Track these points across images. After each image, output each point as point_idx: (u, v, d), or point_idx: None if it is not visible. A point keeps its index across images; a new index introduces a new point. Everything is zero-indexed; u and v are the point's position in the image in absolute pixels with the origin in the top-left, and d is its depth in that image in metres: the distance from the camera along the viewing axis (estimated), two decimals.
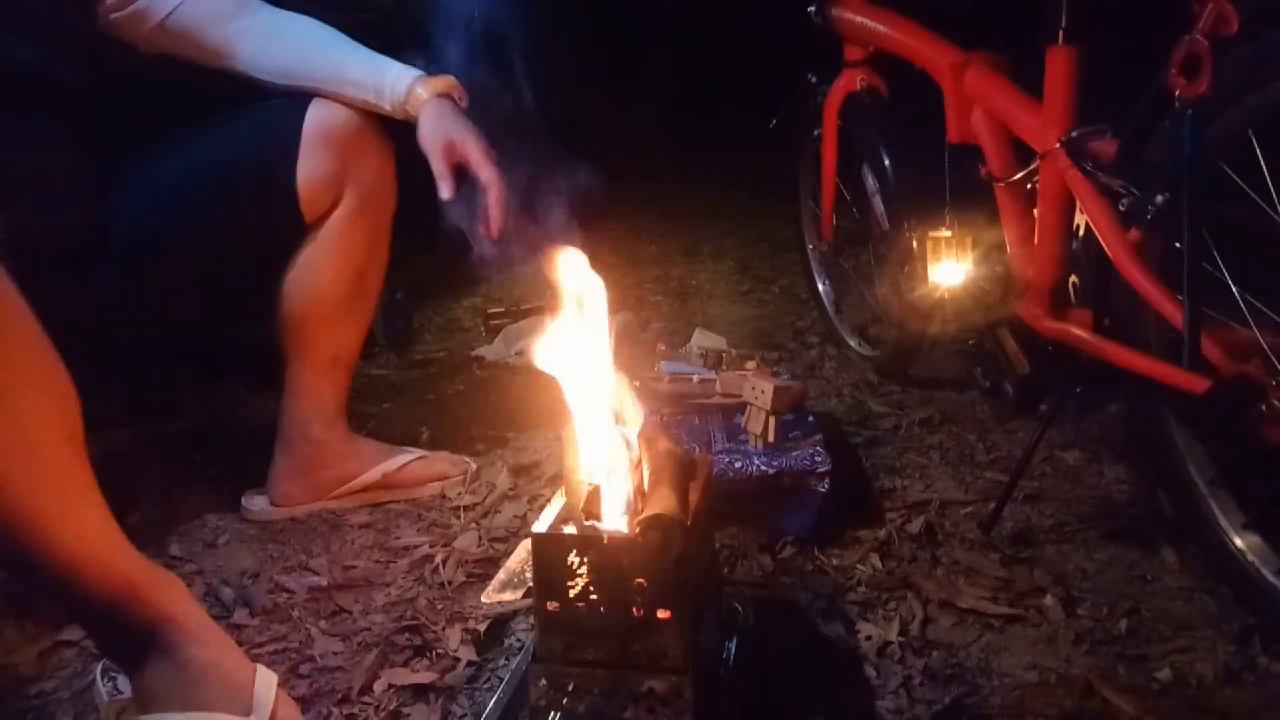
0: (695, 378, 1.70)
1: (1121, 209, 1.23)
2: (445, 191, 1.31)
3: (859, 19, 1.89)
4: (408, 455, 1.61)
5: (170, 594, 0.97)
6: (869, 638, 1.20)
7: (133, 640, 0.94)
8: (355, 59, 1.37)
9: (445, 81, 1.37)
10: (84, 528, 0.90)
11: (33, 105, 1.10)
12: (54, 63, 1.22)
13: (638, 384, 1.56)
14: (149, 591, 0.94)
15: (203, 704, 0.94)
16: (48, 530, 0.87)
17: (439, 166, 1.32)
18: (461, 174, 1.35)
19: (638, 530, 0.90)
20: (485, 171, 1.32)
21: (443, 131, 1.33)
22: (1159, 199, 1.17)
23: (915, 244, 1.71)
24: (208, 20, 1.36)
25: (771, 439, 1.46)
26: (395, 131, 1.41)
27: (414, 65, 1.38)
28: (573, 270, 1.01)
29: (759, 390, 1.45)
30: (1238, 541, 1.22)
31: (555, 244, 1.01)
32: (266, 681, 0.98)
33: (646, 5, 4.19)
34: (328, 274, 1.42)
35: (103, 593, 0.91)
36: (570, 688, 0.93)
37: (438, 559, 1.40)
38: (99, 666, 1.09)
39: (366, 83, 1.35)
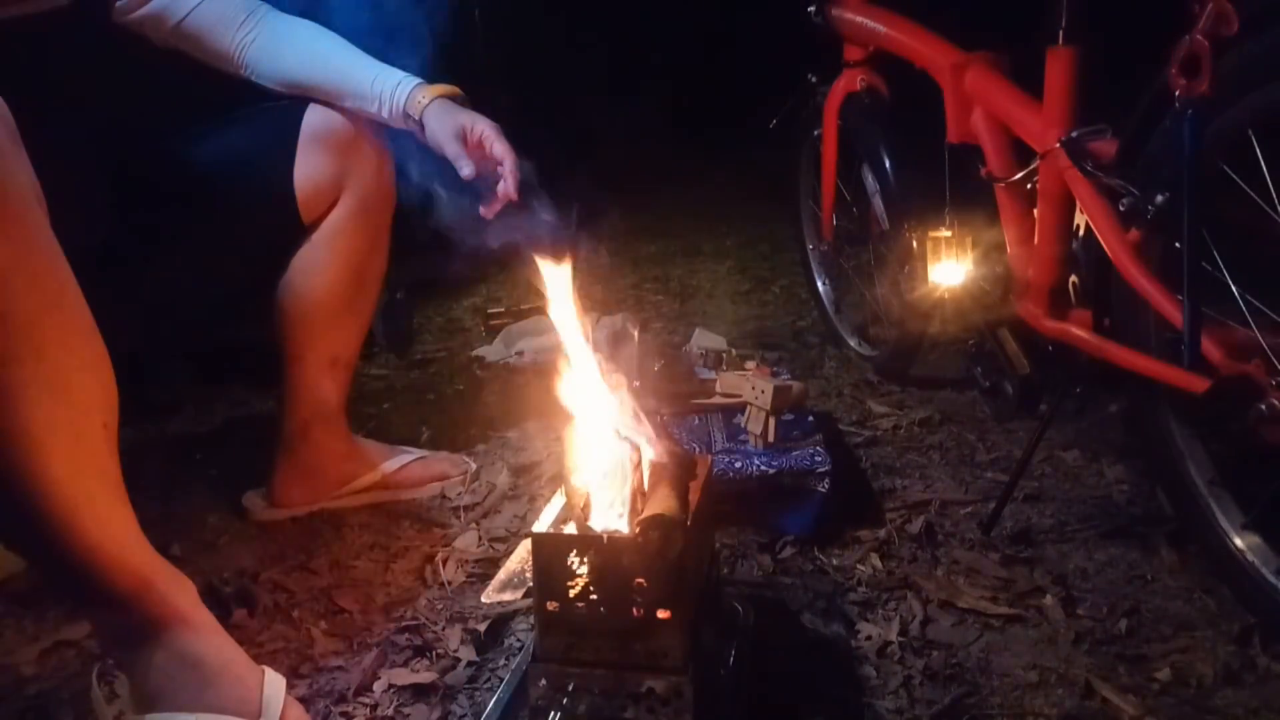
0: (695, 378, 1.70)
1: (1121, 209, 1.23)
2: (467, 170, 1.32)
3: (859, 19, 1.89)
4: (408, 456, 1.61)
5: (184, 594, 0.98)
6: (869, 638, 1.20)
7: (140, 636, 0.95)
8: (356, 69, 1.37)
9: (447, 87, 1.37)
10: (110, 515, 0.92)
11: (52, 119, 1.10)
12: (71, 78, 1.23)
13: (637, 384, 1.56)
14: (164, 588, 0.96)
15: (214, 706, 0.95)
16: (77, 512, 0.89)
17: (455, 149, 1.33)
18: (463, 185, 1.35)
19: (638, 530, 0.90)
20: (499, 146, 1.33)
21: (452, 121, 1.34)
22: (1159, 199, 1.17)
23: (915, 244, 1.71)
24: (217, 25, 1.36)
25: (771, 439, 1.46)
26: (394, 132, 1.41)
27: (414, 72, 1.38)
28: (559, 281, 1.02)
29: (759, 390, 1.45)
30: (1238, 541, 1.22)
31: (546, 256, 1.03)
32: (275, 685, 0.99)
33: (648, 6, 4.19)
34: (327, 275, 1.42)
35: (119, 583, 0.92)
36: (570, 688, 0.93)
37: (438, 559, 1.40)
38: (95, 670, 1.09)
39: (367, 93, 1.36)
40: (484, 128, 1.34)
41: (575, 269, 1.05)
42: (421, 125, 1.35)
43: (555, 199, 1.30)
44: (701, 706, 0.92)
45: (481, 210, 1.34)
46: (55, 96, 1.20)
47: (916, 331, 1.90)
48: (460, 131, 1.34)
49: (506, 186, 1.32)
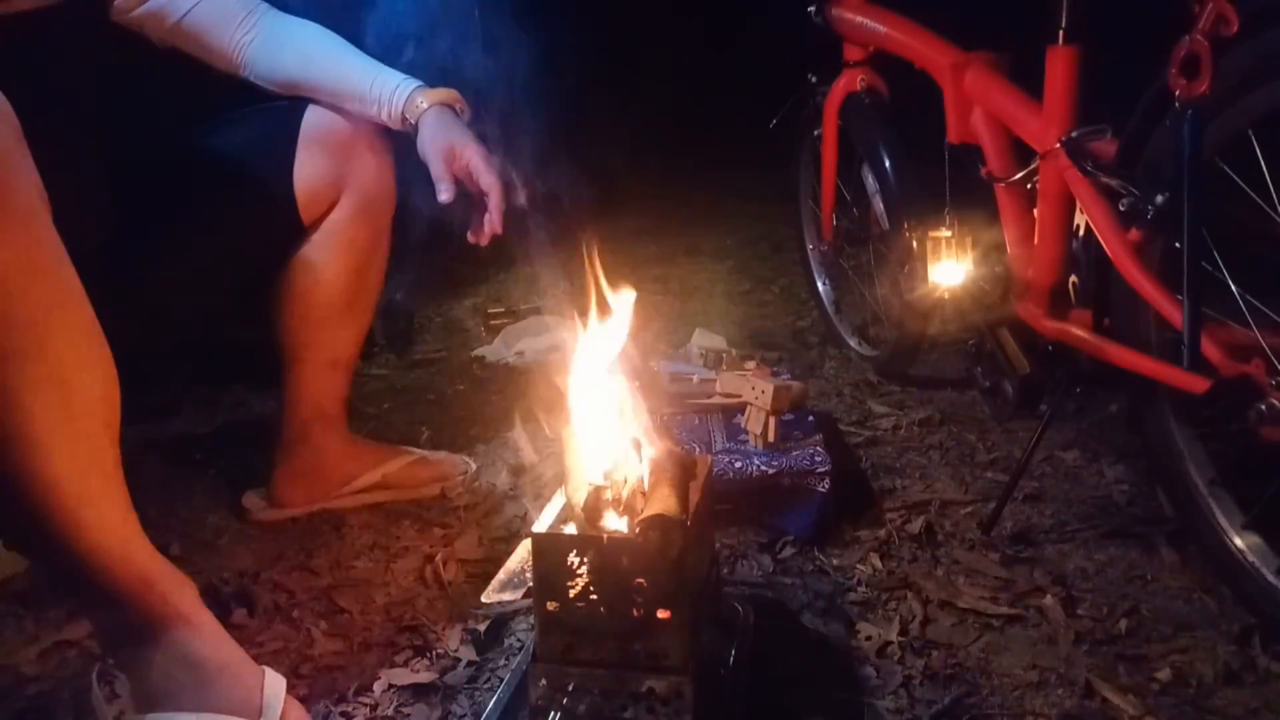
0: (695, 378, 1.70)
1: (1121, 209, 1.23)
2: (444, 194, 1.32)
3: (859, 19, 1.89)
4: (408, 456, 1.61)
5: (185, 594, 0.98)
6: (869, 638, 1.20)
7: (142, 635, 0.95)
8: (355, 71, 1.37)
9: (446, 93, 1.37)
10: (112, 514, 0.92)
11: (51, 118, 1.11)
12: (70, 77, 1.23)
13: (638, 385, 1.56)
14: (165, 588, 0.96)
15: (214, 706, 0.95)
16: (79, 511, 0.89)
17: (438, 170, 1.32)
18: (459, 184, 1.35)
19: (638, 530, 0.90)
20: (485, 178, 1.32)
21: (443, 138, 1.33)
22: (1159, 199, 1.17)
23: (915, 244, 1.71)
24: (216, 24, 1.36)
25: (771, 439, 1.46)
26: (395, 132, 1.41)
27: (415, 75, 1.38)
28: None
29: (759, 390, 1.45)
30: (1238, 541, 1.22)
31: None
32: (275, 685, 0.99)
33: (649, 6, 4.19)
34: (327, 275, 1.42)
35: (121, 583, 0.93)
36: (570, 688, 0.93)
37: (438, 559, 1.40)
38: (95, 670, 1.09)
39: (366, 95, 1.35)
40: (472, 155, 1.32)
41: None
42: (418, 130, 1.35)
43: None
44: (701, 706, 0.92)
45: (469, 237, 1.35)
46: (55, 95, 1.20)
47: (916, 331, 1.90)
48: (448, 152, 1.32)
49: (492, 221, 1.32)
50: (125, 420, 0.94)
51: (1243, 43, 1.05)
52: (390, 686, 1.14)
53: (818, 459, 1.42)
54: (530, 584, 1.00)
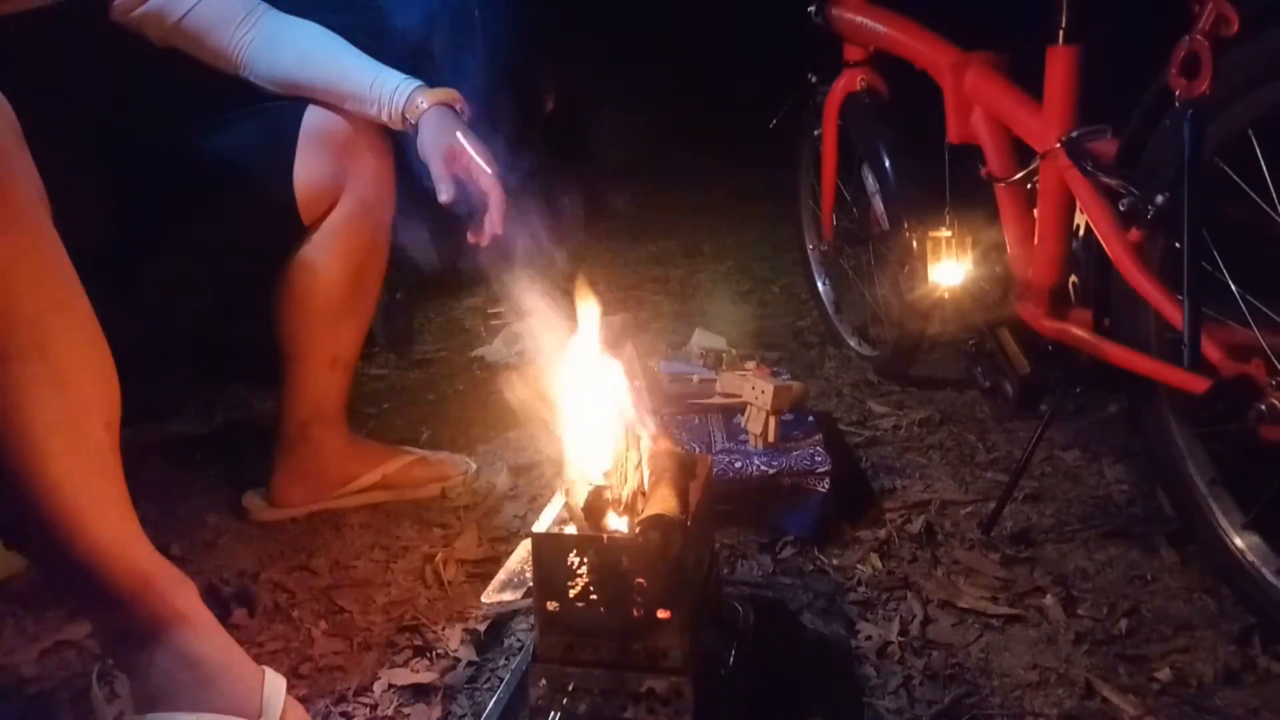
0: (695, 378, 1.70)
1: (1121, 209, 1.23)
2: (445, 195, 1.32)
3: (859, 19, 1.89)
4: (408, 456, 1.61)
5: (184, 594, 0.98)
6: (869, 638, 1.20)
7: (141, 636, 0.95)
8: (355, 71, 1.37)
9: (447, 93, 1.37)
10: (111, 515, 0.92)
11: (51, 119, 1.11)
12: (69, 77, 1.23)
13: (638, 384, 1.56)
14: (164, 588, 0.96)
15: (214, 705, 0.94)
16: (79, 512, 0.89)
17: (438, 170, 1.32)
18: (459, 183, 1.35)
19: (638, 530, 0.90)
20: (485, 179, 1.32)
21: (443, 138, 1.33)
22: (1159, 199, 1.17)
23: (915, 244, 1.71)
24: (216, 24, 1.36)
25: (771, 439, 1.46)
26: (395, 131, 1.41)
27: (415, 74, 1.38)
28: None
29: (759, 390, 1.46)
30: (1238, 541, 1.22)
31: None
32: (275, 685, 0.99)
33: (648, 5, 4.19)
34: (327, 275, 1.42)
35: (120, 583, 0.93)
36: (570, 688, 0.93)
37: (438, 559, 1.40)
38: (95, 670, 1.09)
39: (366, 95, 1.35)
40: (471, 156, 1.33)
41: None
42: (418, 130, 1.35)
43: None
44: (701, 706, 0.92)
45: (469, 237, 1.35)
46: (54, 95, 1.20)
47: (916, 331, 1.90)
48: (448, 152, 1.33)
49: (492, 221, 1.32)
50: (125, 420, 0.94)
51: (1243, 43, 1.05)
52: (390, 686, 1.14)
53: (818, 459, 1.42)
54: (530, 584, 1.00)
